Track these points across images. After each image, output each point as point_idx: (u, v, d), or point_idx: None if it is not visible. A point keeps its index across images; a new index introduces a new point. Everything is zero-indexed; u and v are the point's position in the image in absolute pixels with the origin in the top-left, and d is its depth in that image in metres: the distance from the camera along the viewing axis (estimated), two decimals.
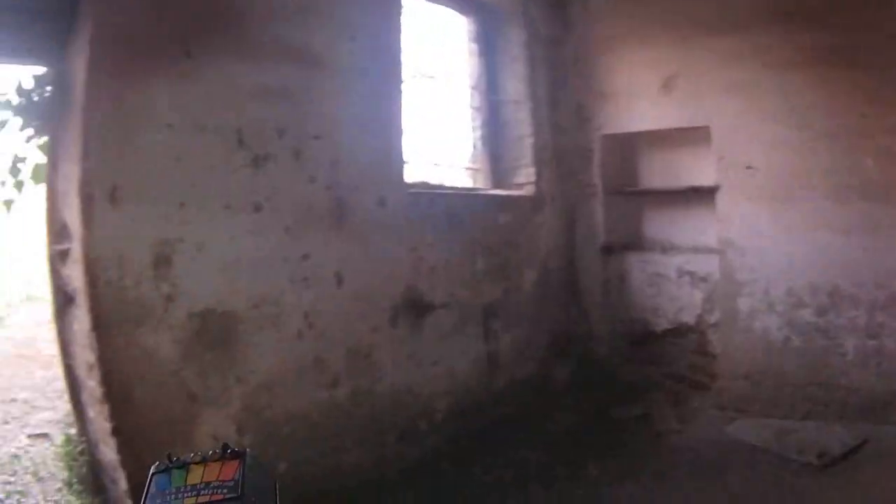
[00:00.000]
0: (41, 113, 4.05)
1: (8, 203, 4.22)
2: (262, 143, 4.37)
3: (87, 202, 3.63)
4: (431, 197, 5.68)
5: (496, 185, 6.63)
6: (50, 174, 4.01)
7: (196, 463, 1.23)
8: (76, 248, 3.72)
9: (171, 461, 1.23)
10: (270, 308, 4.39)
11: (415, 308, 5.32)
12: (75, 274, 3.76)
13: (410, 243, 5.33)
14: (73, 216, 3.73)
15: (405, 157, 5.37)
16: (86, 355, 3.79)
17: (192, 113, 4.05)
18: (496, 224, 6.23)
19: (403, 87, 5.38)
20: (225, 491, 1.19)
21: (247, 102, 4.32)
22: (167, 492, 1.19)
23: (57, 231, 3.94)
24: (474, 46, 6.76)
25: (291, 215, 4.52)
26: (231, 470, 1.22)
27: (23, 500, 4.35)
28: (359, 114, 4.97)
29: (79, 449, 4.16)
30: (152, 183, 3.87)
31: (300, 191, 4.59)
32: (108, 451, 3.81)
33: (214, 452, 1.24)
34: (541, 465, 5.27)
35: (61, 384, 6.84)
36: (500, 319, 6.16)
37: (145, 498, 1.19)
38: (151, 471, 1.22)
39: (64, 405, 6.21)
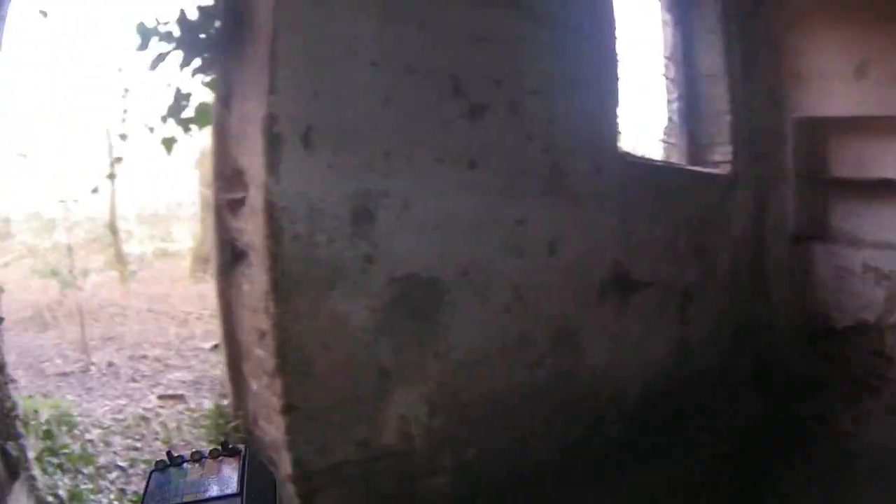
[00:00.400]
0: (208, 46, 3.12)
1: (169, 142, 3.30)
2: (479, 92, 3.37)
3: (274, 144, 2.71)
4: (644, 168, 4.58)
5: (690, 161, 5.48)
6: (220, 114, 3.13)
7: (195, 460, 1.10)
8: (255, 196, 2.82)
9: (170, 459, 1.10)
10: (479, 277, 3.39)
11: (622, 285, 4.24)
12: (250, 227, 2.89)
13: (622, 215, 4.22)
14: (252, 160, 2.83)
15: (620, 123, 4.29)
16: (256, 320, 2.91)
17: (401, 52, 3.09)
18: (696, 202, 5.05)
19: (618, 47, 4.27)
20: (225, 488, 1.04)
21: (463, 47, 3.32)
22: (167, 489, 1.05)
23: (228, 178, 3.05)
24: (668, 16, 5.61)
25: (507, 175, 3.51)
26: (230, 467, 1.08)
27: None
28: (573, 71, 3.91)
29: (232, 424, 3.26)
30: (354, 126, 2.93)
31: (517, 149, 3.57)
32: (272, 430, 2.93)
33: (214, 450, 1.12)
34: (729, 463, 4.36)
35: (196, 343, 6.05)
36: (696, 303, 5.00)
37: (144, 495, 1.04)
38: (150, 468, 1.09)
39: (200, 365, 5.36)
